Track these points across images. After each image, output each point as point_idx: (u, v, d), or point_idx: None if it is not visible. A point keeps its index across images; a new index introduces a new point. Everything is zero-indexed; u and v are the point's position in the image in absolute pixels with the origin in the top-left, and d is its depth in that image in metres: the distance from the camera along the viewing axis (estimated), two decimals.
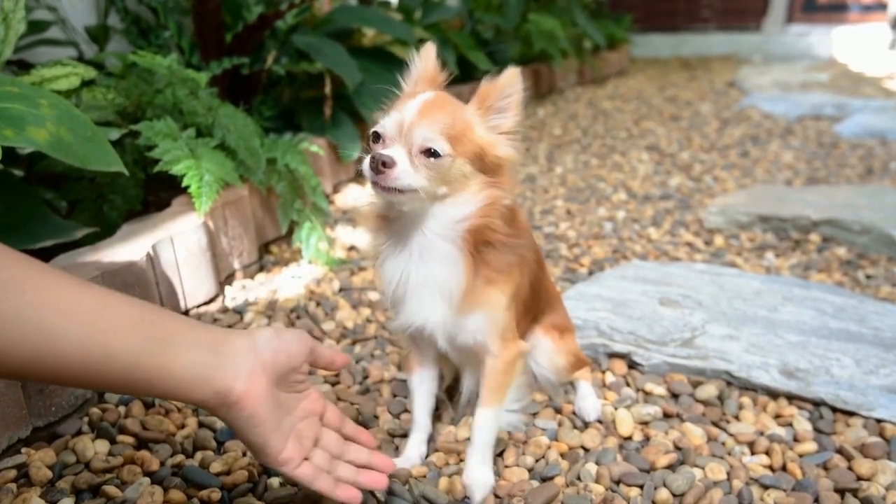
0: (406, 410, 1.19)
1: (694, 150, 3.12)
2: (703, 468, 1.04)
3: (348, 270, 1.75)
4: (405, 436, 1.11)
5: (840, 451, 1.08)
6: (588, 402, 1.18)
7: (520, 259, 0.94)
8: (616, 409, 1.18)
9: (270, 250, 1.85)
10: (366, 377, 1.29)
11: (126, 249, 1.28)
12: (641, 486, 1.00)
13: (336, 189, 2.33)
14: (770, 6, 7.03)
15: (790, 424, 1.15)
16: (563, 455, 1.08)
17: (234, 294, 1.61)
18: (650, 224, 2.15)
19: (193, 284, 1.46)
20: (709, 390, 1.23)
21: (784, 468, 1.05)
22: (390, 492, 0.98)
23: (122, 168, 1.16)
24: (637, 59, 6.69)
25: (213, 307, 1.53)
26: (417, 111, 0.85)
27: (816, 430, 1.14)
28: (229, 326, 1.45)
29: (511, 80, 0.87)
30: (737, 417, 1.18)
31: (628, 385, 1.28)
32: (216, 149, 1.56)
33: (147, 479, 0.98)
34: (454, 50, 3.24)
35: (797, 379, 1.22)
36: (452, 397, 1.19)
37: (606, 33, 5.42)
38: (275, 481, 1.00)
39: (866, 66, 5.72)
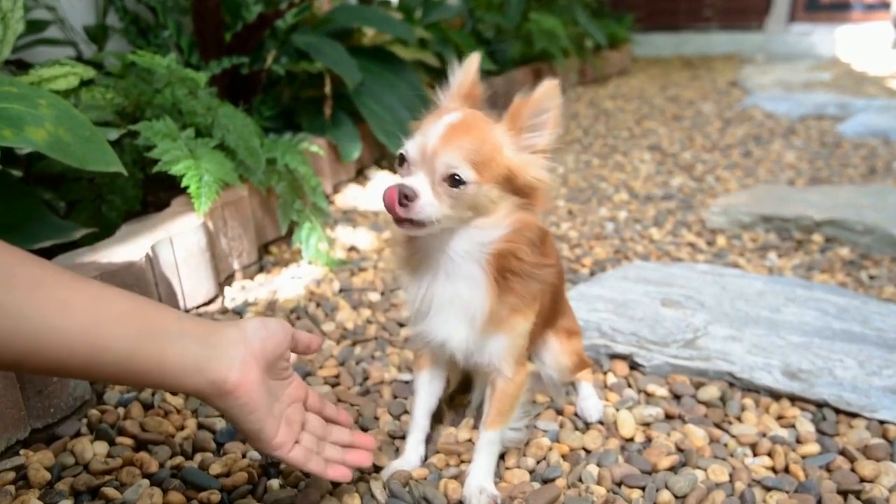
0: (406, 412, 1.18)
1: (696, 149, 3.11)
2: (705, 470, 1.03)
3: (348, 271, 1.74)
4: (405, 437, 1.10)
5: (843, 452, 1.08)
6: (589, 403, 1.17)
7: (545, 286, 0.94)
8: (618, 410, 1.17)
9: (270, 251, 1.84)
10: (366, 378, 1.29)
11: (125, 250, 1.28)
12: (643, 488, 0.99)
13: (336, 189, 2.32)
14: (772, 5, 7.02)
15: (793, 426, 1.15)
16: (564, 457, 1.07)
17: (234, 295, 1.60)
18: (652, 224, 2.14)
19: (193, 285, 1.46)
20: (711, 391, 1.22)
21: (786, 470, 1.04)
22: (391, 493, 0.97)
23: (120, 168, 1.16)
24: (639, 59, 6.67)
25: (213, 308, 1.53)
26: (441, 136, 0.81)
27: (819, 431, 1.13)
28: None
29: (546, 96, 0.82)
30: (739, 419, 1.17)
31: (630, 386, 1.27)
32: (215, 149, 1.55)
33: (146, 481, 0.98)
34: (455, 49, 3.23)
35: (800, 380, 1.22)
36: (452, 401, 1.19)
37: (608, 32, 5.41)
38: (274, 483, 1.00)
39: (869, 65, 5.70)
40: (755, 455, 1.08)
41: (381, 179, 2.45)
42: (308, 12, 2.29)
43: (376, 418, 1.17)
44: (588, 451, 1.09)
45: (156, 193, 1.59)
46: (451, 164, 0.80)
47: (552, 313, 1.05)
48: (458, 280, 0.88)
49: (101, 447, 1.04)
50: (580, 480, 1.01)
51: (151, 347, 0.70)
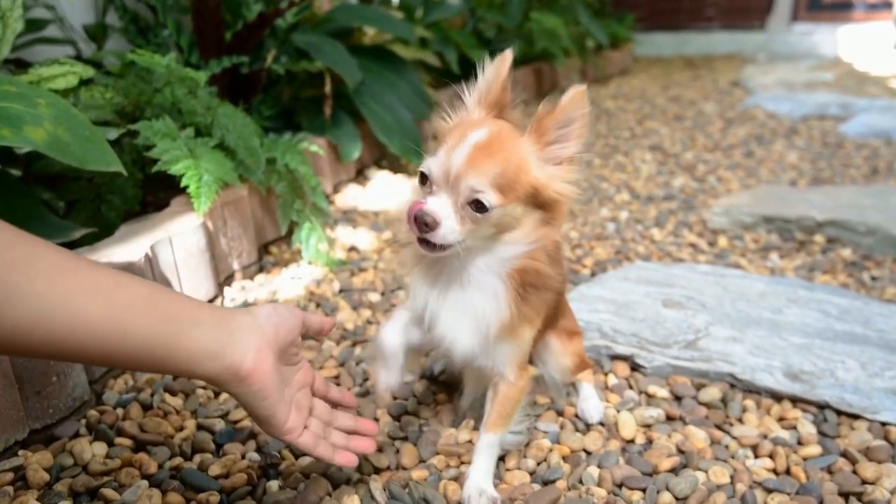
0: (407, 412, 1.18)
1: (698, 149, 3.10)
2: (706, 471, 1.03)
3: (348, 271, 1.74)
4: (406, 438, 1.10)
5: (844, 454, 1.07)
6: (590, 404, 1.17)
7: (555, 294, 0.94)
8: (618, 411, 1.17)
9: (270, 251, 1.84)
10: (366, 379, 1.28)
11: (124, 250, 1.27)
12: (644, 490, 0.99)
13: (336, 189, 2.32)
14: (774, 5, 7.00)
15: (794, 427, 1.14)
16: (564, 458, 1.07)
17: (234, 295, 1.60)
18: (653, 225, 2.13)
19: (192, 285, 1.45)
20: (712, 393, 1.22)
21: (788, 472, 1.04)
22: (390, 494, 0.97)
23: (120, 168, 1.15)
24: (640, 58, 6.66)
25: None
26: (465, 159, 0.78)
27: (821, 433, 1.13)
28: None
29: (573, 105, 0.80)
30: (740, 420, 1.17)
31: (631, 387, 1.27)
32: (215, 148, 1.55)
33: (145, 482, 0.97)
34: (455, 49, 3.23)
35: (801, 381, 1.21)
36: (452, 402, 1.18)
37: (609, 32, 5.40)
38: (274, 484, 1.00)
39: (871, 65, 5.69)
40: (756, 457, 1.08)
41: (381, 179, 2.44)
42: (308, 11, 2.29)
43: (376, 419, 1.16)
44: (589, 453, 1.09)
45: (155, 193, 1.59)
46: (475, 188, 0.78)
47: (554, 315, 1.05)
48: (475, 290, 0.87)
49: (100, 448, 1.04)
50: (581, 482, 1.01)
51: (169, 334, 0.71)
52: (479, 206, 0.79)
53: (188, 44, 2.05)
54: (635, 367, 1.32)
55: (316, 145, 1.96)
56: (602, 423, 1.15)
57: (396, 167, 2.57)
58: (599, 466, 1.04)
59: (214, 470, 1.01)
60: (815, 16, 6.88)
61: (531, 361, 1.06)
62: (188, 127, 1.56)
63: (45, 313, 0.62)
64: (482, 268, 0.86)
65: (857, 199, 2.15)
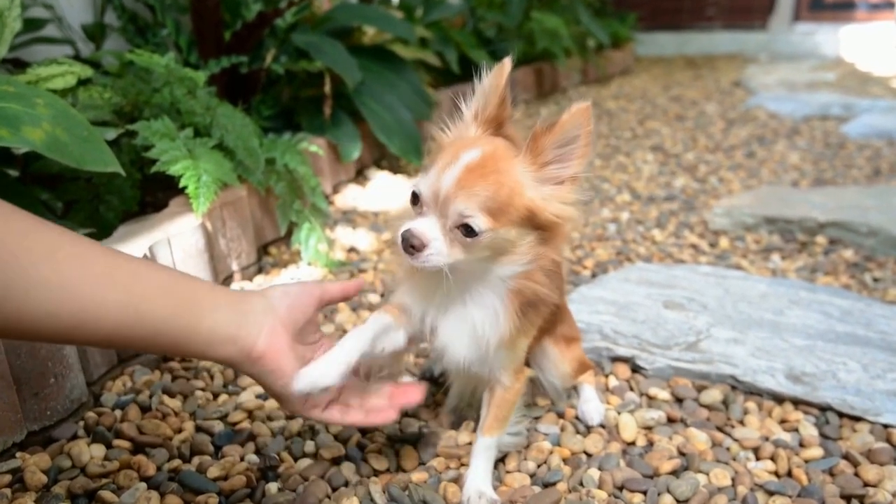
0: (406, 414, 1.17)
1: (699, 150, 3.09)
2: (707, 474, 1.03)
3: (348, 272, 1.73)
4: (406, 440, 1.10)
5: (846, 456, 1.07)
6: (591, 406, 1.16)
7: (551, 307, 0.93)
8: (619, 413, 1.17)
9: (269, 252, 1.83)
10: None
11: (123, 251, 1.26)
12: (645, 492, 0.99)
13: (336, 189, 2.31)
14: (776, 4, 6.99)
15: (796, 430, 1.14)
16: (565, 460, 1.07)
17: None
18: (654, 226, 2.13)
19: None
20: (713, 395, 1.21)
21: (789, 474, 1.04)
22: (390, 497, 0.97)
23: (118, 168, 1.15)
24: (641, 58, 6.65)
25: None
26: (455, 181, 0.75)
27: (822, 435, 1.13)
28: None
29: (573, 123, 0.75)
30: (742, 422, 1.16)
31: (632, 389, 1.26)
32: (214, 149, 1.54)
33: (143, 485, 0.97)
34: (456, 48, 3.22)
35: (803, 383, 1.21)
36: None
37: (610, 32, 5.39)
38: (273, 486, 0.99)
39: (874, 65, 5.67)
40: (758, 459, 1.08)
41: (381, 180, 2.44)
42: (308, 11, 2.28)
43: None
44: (589, 455, 1.08)
45: (154, 193, 1.58)
46: (463, 213, 0.75)
47: (551, 323, 1.04)
48: (475, 306, 0.86)
49: (98, 450, 1.04)
50: (581, 484, 1.01)
51: (186, 319, 0.73)
52: (468, 230, 0.76)
53: (187, 43, 2.04)
54: (636, 369, 1.31)
55: (315, 145, 1.96)
56: (603, 425, 1.15)
57: (396, 167, 2.56)
58: (600, 469, 1.04)
59: (213, 472, 1.00)
60: (817, 15, 6.87)
61: (528, 365, 1.06)
62: (187, 127, 1.56)
63: (62, 302, 0.64)
64: (482, 286, 0.85)
65: (860, 199, 2.14)
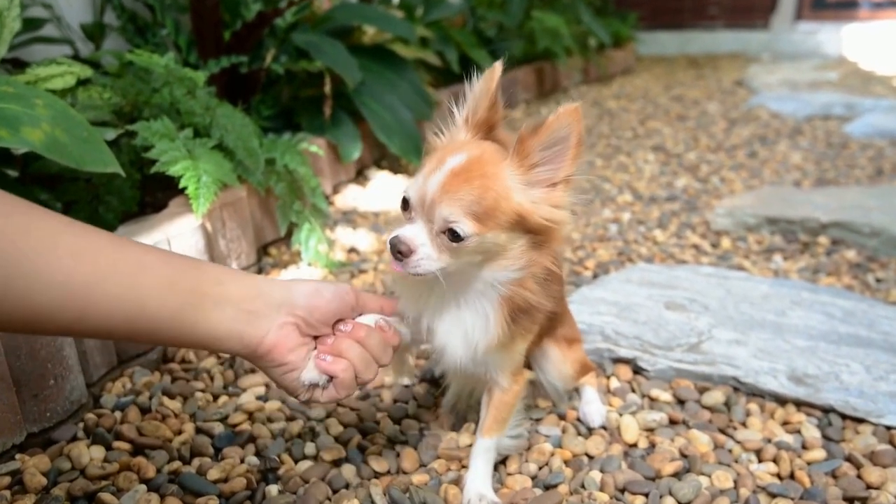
0: (407, 416, 1.17)
1: (701, 150, 3.08)
2: (709, 476, 1.03)
3: (348, 273, 1.73)
4: (406, 442, 1.09)
5: (849, 458, 1.07)
6: (592, 407, 1.16)
7: (546, 314, 0.92)
8: (621, 415, 1.16)
9: (269, 252, 1.83)
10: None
11: None
12: (647, 495, 0.99)
13: (336, 190, 2.31)
14: (778, 3, 6.97)
15: (798, 431, 1.14)
16: (566, 462, 1.06)
17: None
18: (656, 226, 2.12)
19: None
20: (715, 396, 1.21)
21: (792, 476, 1.04)
22: (391, 499, 0.96)
23: (118, 169, 1.15)
24: (643, 58, 6.64)
25: None
26: (440, 186, 0.75)
27: (825, 437, 1.12)
28: None
29: (559, 123, 0.74)
30: (744, 424, 1.16)
31: (633, 391, 1.26)
32: (214, 149, 1.54)
33: (143, 487, 0.97)
34: (456, 48, 3.21)
35: (806, 385, 1.20)
36: (453, 406, 1.17)
37: (612, 31, 5.38)
38: (273, 489, 0.99)
39: (877, 64, 5.66)
40: (760, 461, 1.07)
41: (382, 180, 2.43)
42: (308, 10, 2.28)
43: (377, 422, 1.16)
44: (591, 457, 1.08)
45: (153, 194, 1.58)
46: (448, 218, 0.75)
47: (551, 325, 1.04)
48: (467, 310, 0.86)
49: (98, 452, 1.04)
50: (583, 487, 1.00)
51: (189, 315, 0.72)
52: (453, 235, 0.75)
53: (187, 43, 2.04)
54: (638, 371, 1.31)
55: (315, 146, 1.95)
56: (604, 427, 1.14)
57: (397, 167, 2.56)
58: (601, 471, 1.04)
59: (213, 474, 1.00)
60: (819, 14, 6.85)
61: (530, 367, 1.05)
62: (187, 127, 1.55)
63: (63, 296, 0.64)
64: (473, 291, 0.84)
65: (862, 200, 2.13)
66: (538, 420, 1.16)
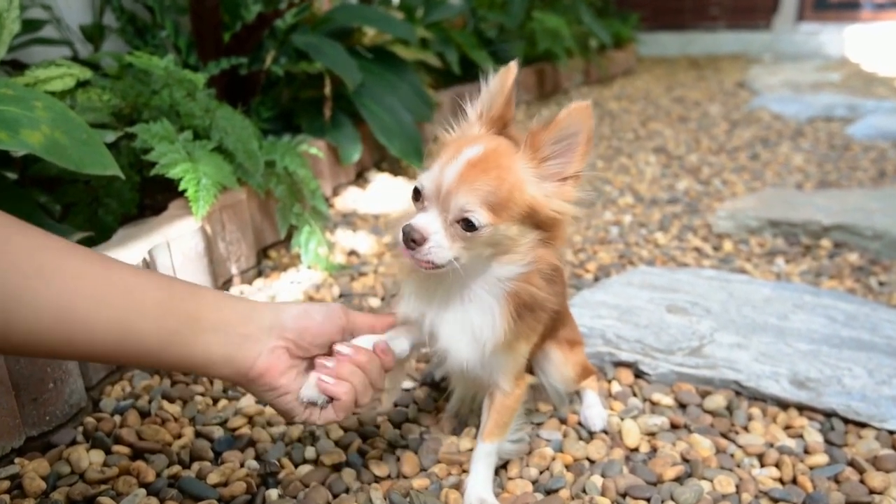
0: (407, 420, 1.17)
1: (702, 152, 3.08)
2: (711, 481, 1.02)
3: (348, 276, 1.72)
4: (407, 446, 1.09)
5: (852, 463, 1.06)
6: (594, 411, 1.16)
7: (550, 313, 0.92)
8: (622, 419, 1.16)
9: (269, 255, 1.82)
10: None
11: (122, 254, 1.26)
12: (648, 500, 0.98)
13: (336, 192, 2.30)
14: (780, 4, 6.96)
15: (801, 436, 1.13)
16: (567, 467, 1.06)
17: None
18: (657, 229, 2.11)
19: None
20: (717, 400, 1.20)
21: (794, 481, 1.03)
22: (391, 503, 0.96)
23: (117, 171, 1.14)
24: (644, 59, 6.63)
25: None
26: (457, 175, 0.76)
27: (827, 441, 1.12)
28: None
29: (570, 120, 0.76)
30: (746, 429, 1.16)
31: (635, 395, 1.25)
32: (214, 151, 1.53)
33: (143, 491, 0.97)
34: (457, 49, 3.21)
35: (808, 389, 1.20)
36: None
37: (613, 32, 5.37)
38: (273, 493, 0.99)
39: (879, 65, 5.65)
40: (762, 466, 1.07)
41: (382, 182, 2.43)
42: (308, 12, 2.27)
43: (377, 426, 1.15)
44: (592, 462, 1.07)
45: (153, 196, 1.58)
46: (465, 207, 0.76)
47: (553, 327, 1.04)
48: (473, 308, 0.86)
49: (97, 456, 1.03)
50: (584, 491, 1.00)
51: (182, 339, 0.71)
52: (468, 224, 0.77)
53: (186, 45, 2.04)
54: (639, 374, 1.30)
55: (315, 148, 1.95)
56: (605, 432, 1.14)
57: (397, 169, 2.55)
58: (603, 475, 1.03)
59: (213, 478, 1.00)
60: (821, 15, 6.84)
61: (531, 371, 1.05)
62: (186, 129, 1.55)
63: (52, 320, 0.63)
64: (480, 286, 0.85)
65: (865, 202, 2.13)
66: (539, 424, 1.16)
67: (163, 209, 1.50)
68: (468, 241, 0.78)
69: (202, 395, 1.22)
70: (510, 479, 1.03)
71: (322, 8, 2.45)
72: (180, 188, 1.39)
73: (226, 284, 1.62)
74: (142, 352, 0.70)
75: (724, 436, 1.13)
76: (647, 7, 7.07)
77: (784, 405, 1.20)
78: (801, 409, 1.18)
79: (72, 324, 0.64)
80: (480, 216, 0.76)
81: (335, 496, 0.98)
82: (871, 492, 1.00)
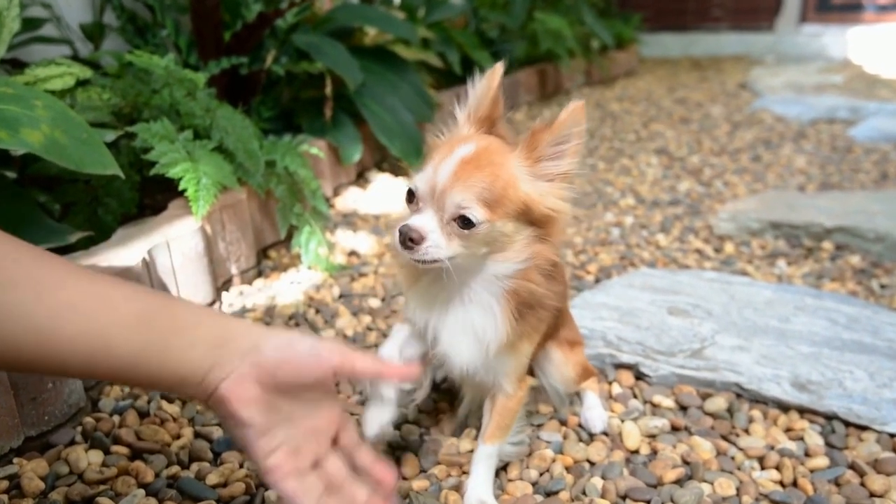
0: (407, 421, 1.16)
1: (704, 153, 3.07)
2: (711, 483, 1.02)
3: (348, 276, 1.72)
4: (406, 448, 1.09)
5: (852, 466, 1.06)
6: (594, 413, 1.15)
7: (552, 311, 0.92)
8: (623, 421, 1.15)
9: (269, 255, 1.82)
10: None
11: (121, 254, 1.26)
12: (648, 502, 0.98)
13: (336, 192, 2.30)
14: (783, 5, 6.95)
15: (801, 439, 1.13)
16: (567, 469, 1.06)
17: (232, 300, 1.58)
18: (659, 230, 2.11)
19: (190, 290, 1.44)
20: (718, 403, 1.20)
21: (795, 484, 1.03)
22: None
23: (117, 171, 1.14)
24: (646, 59, 6.62)
25: None
26: (451, 173, 0.77)
27: (828, 444, 1.11)
28: None
29: (570, 122, 0.78)
30: (747, 431, 1.15)
31: (635, 397, 1.25)
32: (214, 151, 1.53)
33: (142, 491, 0.96)
34: (458, 49, 3.21)
35: (809, 392, 1.19)
36: (454, 410, 1.17)
37: (615, 32, 5.37)
38: (272, 494, 0.98)
39: (882, 67, 5.63)
40: (763, 468, 1.07)
41: (382, 182, 2.43)
42: (308, 11, 2.27)
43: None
44: (592, 464, 1.07)
45: (152, 196, 1.58)
46: (460, 204, 0.77)
47: (554, 327, 1.04)
48: (473, 308, 0.86)
49: (96, 456, 1.03)
50: (584, 493, 1.00)
51: (156, 354, 0.68)
52: (465, 221, 0.77)
53: (187, 44, 2.04)
54: (640, 376, 1.30)
55: (316, 147, 1.95)
56: (606, 433, 1.14)
57: (397, 170, 2.55)
58: (603, 477, 1.03)
59: (212, 479, 1.00)
60: (824, 17, 6.83)
61: (531, 372, 1.05)
62: (186, 129, 1.55)
63: (19, 333, 0.61)
64: (479, 286, 0.85)
65: (867, 204, 2.12)
66: (539, 426, 1.15)
67: (163, 209, 1.49)
68: (465, 239, 0.79)
69: None
70: (510, 480, 1.03)
71: (323, 7, 2.45)
72: (180, 188, 1.39)
73: (226, 284, 1.62)
74: (115, 365, 0.67)
75: (724, 438, 1.13)
76: (649, 8, 7.05)
77: (785, 408, 1.19)
78: (802, 411, 1.18)
79: (47, 337, 0.63)
80: (477, 212, 0.77)
81: None
82: (872, 495, 0.99)
